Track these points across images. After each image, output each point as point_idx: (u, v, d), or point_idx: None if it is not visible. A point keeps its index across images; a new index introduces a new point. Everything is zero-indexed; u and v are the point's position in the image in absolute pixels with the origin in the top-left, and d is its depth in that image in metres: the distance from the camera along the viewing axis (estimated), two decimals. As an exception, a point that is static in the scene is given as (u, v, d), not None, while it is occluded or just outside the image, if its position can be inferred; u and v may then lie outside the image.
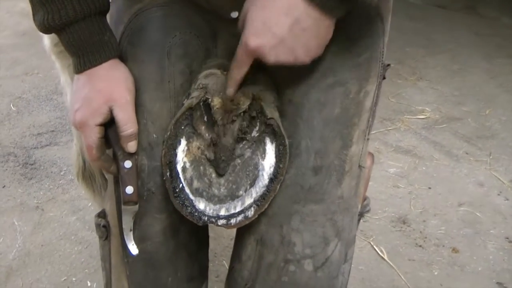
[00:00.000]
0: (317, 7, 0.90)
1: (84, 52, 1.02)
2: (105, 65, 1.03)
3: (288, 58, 0.95)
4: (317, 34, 0.94)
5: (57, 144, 3.03)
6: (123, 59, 1.09)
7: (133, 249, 1.08)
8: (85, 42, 1.01)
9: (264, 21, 0.92)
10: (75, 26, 1.00)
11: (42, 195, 2.58)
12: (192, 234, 1.19)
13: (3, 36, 4.70)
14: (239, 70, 1.00)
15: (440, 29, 5.01)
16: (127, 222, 1.08)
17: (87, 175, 1.54)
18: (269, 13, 0.92)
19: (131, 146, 1.05)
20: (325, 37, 0.97)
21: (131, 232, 1.08)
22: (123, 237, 1.09)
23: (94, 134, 1.03)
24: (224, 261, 2.17)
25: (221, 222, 1.04)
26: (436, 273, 2.16)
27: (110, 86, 1.02)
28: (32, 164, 2.83)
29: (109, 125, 1.05)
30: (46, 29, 1.01)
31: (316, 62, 1.02)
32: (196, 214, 1.03)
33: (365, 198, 1.24)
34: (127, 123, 1.03)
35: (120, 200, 1.07)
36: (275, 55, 0.94)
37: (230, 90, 1.03)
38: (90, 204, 2.48)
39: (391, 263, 2.20)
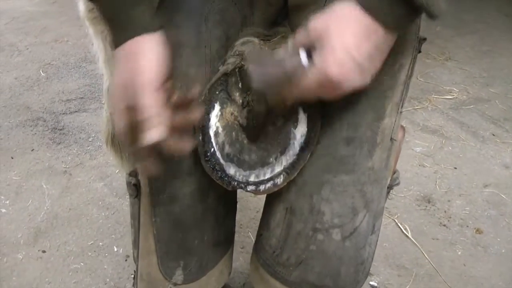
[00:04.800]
0: (394, 31, 0.89)
1: (114, 27, 0.98)
2: (133, 42, 0.96)
3: (359, 81, 0.90)
4: (386, 52, 0.93)
5: (86, 111, 3.06)
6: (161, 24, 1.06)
7: None
8: (113, 16, 0.97)
9: (346, 48, 0.86)
10: None
11: (70, 160, 2.61)
12: (221, 199, 1.20)
13: (34, 4, 4.74)
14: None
15: (470, 9, 4.95)
16: None
17: (116, 142, 1.54)
18: (350, 39, 0.87)
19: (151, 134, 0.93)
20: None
21: None
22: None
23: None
24: (249, 233, 2.19)
25: (250, 188, 1.05)
26: (459, 253, 2.16)
27: (135, 69, 0.95)
28: (60, 130, 2.86)
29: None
30: None
31: None
32: (226, 178, 1.04)
33: (394, 171, 1.24)
34: (149, 107, 0.94)
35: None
36: (350, 82, 0.89)
37: None
38: (117, 171, 2.50)
39: (415, 241, 2.20)
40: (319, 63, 0.88)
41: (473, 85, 3.64)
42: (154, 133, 0.92)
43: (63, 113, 3.02)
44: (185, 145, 0.99)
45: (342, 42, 0.87)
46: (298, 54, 0.90)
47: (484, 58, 4.08)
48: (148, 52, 0.95)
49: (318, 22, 0.89)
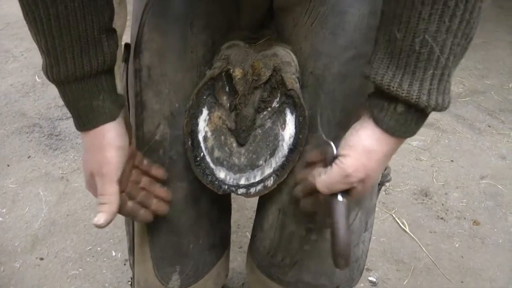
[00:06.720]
0: (402, 140, 0.90)
1: (76, 112, 0.95)
2: (97, 131, 0.97)
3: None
4: None
5: (82, 116, 3.05)
6: (147, 30, 1.07)
7: None
8: (74, 103, 0.94)
9: (376, 178, 0.93)
10: (67, 86, 0.92)
11: (67, 166, 2.61)
12: (214, 202, 1.20)
13: (28, 9, 4.71)
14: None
15: (464, 1, 4.95)
16: None
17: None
18: (379, 172, 0.91)
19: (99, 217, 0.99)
20: None
21: None
22: None
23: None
24: (247, 233, 2.19)
25: (240, 191, 1.06)
26: (457, 245, 2.16)
27: (101, 160, 0.97)
28: (57, 135, 2.86)
29: None
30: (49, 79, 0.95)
31: (337, 36, 1.02)
32: (217, 182, 1.05)
33: (385, 168, 1.24)
34: (102, 194, 1.00)
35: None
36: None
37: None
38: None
39: (412, 235, 2.20)
40: (355, 195, 0.91)
41: (468, 78, 3.65)
42: (101, 218, 0.99)
43: (59, 119, 3.02)
44: (146, 215, 1.08)
45: (375, 177, 0.91)
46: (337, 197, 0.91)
47: (479, 50, 4.08)
48: (112, 142, 0.97)
49: (358, 170, 0.88)
